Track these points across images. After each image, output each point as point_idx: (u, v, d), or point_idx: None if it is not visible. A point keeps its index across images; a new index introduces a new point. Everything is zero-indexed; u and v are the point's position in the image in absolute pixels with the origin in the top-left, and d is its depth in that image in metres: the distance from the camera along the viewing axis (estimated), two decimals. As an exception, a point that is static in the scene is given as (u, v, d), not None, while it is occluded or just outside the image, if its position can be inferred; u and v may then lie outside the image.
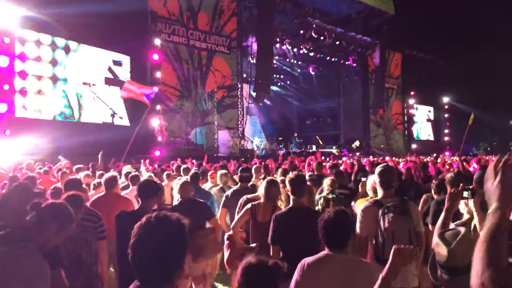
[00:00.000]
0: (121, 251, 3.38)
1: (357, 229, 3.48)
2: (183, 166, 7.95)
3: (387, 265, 2.10)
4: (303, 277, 2.53)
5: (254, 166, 7.26)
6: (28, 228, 2.36)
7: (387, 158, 15.99)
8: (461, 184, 2.93)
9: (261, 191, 4.15)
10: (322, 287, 2.48)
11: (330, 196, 5.02)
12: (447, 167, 9.75)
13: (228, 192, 5.35)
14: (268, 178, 4.41)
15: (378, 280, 2.07)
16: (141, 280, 1.59)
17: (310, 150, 24.71)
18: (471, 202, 3.09)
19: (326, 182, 5.21)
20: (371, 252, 3.44)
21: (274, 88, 27.78)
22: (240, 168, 6.15)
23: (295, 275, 2.58)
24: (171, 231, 1.60)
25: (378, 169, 3.65)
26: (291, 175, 3.79)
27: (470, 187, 2.99)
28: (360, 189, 5.19)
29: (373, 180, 4.52)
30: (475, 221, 3.23)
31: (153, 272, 1.56)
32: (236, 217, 4.45)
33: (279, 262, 1.90)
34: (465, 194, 2.84)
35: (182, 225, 1.65)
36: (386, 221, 3.30)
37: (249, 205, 4.14)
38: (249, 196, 4.62)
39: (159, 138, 16.33)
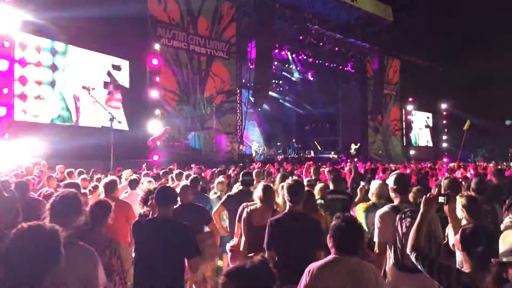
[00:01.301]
0: (139, 257, 3.43)
1: (375, 236, 3.51)
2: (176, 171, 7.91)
3: (420, 213, 2.75)
4: (311, 281, 2.54)
5: (255, 171, 7.28)
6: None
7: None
8: (436, 190, 2.97)
9: (257, 195, 4.14)
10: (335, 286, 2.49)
11: (318, 201, 4.93)
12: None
13: (231, 193, 5.39)
14: (264, 183, 4.39)
15: (414, 226, 2.74)
16: (11, 285, 1.64)
17: (308, 156, 24.75)
18: (446, 208, 3.15)
19: (317, 187, 5.19)
20: (390, 259, 3.45)
21: (273, 93, 27.84)
22: (242, 172, 6.17)
23: (303, 280, 2.60)
24: (42, 240, 1.69)
25: (393, 176, 3.70)
26: (289, 181, 3.78)
27: (446, 193, 3.06)
28: (359, 194, 5.18)
29: (377, 184, 4.54)
30: (449, 226, 3.27)
31: (22, 277, 1.63)
32: (236, 225, 4.48)
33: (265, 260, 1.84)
34: (441, 199, 2.89)
35: (55, 233, 1.74)
36: (404, 226, 3.31)
37: (244, 214, 4.14)
38: (249, 203, 4.62)
39: (158, 143, 16.33)
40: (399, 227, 3.33)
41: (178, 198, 4.57)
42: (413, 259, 2.61)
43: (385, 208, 3.58)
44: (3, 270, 1.64)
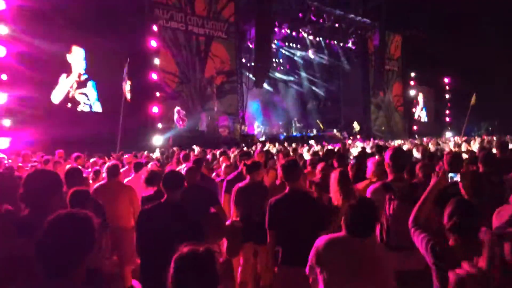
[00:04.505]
0: (143, 245, 3.30)
1: None
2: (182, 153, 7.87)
3: (430, 185, 2.66)
4: (317, 256, 2.54)
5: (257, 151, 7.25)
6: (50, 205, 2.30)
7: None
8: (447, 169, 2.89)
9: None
10: (340, 266, 2.47)
11: None
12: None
13: (230, 178, 5.33)
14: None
15: (420, 199, 2.63)
16: (45, 273, 1.65)
17: (311, 134, 24.67)
18: (460, 185, 3.08)
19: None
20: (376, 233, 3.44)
21: (273, 72, 27.61)
22: (240, 153, 6.14)
23: (311, 254, 2.59)
24: (77, 228, 1.69)
25: (389, 152, 3.63)
26: (282, 161, 3.85)
27: (461, 170, 2.98)
28: (349, 172, 5.13)
29: (373, 163, 4.47)
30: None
31: (55, 265, 1.64)
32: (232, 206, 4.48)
33: (210, 247, 1.82)
34: (458, 177, 2.75)
35: (89, 221, 1.73)
36: (391, 207, 3.29)
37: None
38: (240, 184, 4.60)
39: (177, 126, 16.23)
40: (387, 207, 3.30)
41: (186, 178, 4.59)
42: (411, 233, 2.57)
43: (376, 185, 3.55)
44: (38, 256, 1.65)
